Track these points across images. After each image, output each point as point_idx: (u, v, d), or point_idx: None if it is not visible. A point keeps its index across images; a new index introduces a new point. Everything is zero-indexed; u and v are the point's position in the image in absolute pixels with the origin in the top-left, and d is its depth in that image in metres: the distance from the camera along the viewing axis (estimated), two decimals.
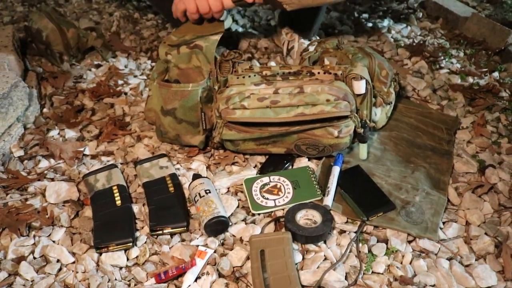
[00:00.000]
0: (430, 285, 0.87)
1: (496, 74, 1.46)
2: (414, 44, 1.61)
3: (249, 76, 1.05)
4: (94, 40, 1.51)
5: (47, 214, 0.99)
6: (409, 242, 0.95)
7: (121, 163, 1.13)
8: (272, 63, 1.48)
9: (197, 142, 1.10)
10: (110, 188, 1.01)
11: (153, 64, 1.52)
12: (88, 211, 1.00)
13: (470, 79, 1.44)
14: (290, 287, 0.81)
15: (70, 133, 1.21)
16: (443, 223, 0.99)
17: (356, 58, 1.10)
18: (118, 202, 0.98)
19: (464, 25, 1.68)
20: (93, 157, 1.15)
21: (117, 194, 0.99)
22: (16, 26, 1.75)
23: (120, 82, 1.42)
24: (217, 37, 1.13)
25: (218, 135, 1.03)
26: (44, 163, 1.13)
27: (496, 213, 1.02)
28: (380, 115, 1.15)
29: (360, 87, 1.02)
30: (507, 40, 1.51)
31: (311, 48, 1.23)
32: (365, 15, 1.81)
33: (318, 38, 1.49)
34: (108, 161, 1.13)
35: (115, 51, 1.58)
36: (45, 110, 1.31)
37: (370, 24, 1.75)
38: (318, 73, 1.05)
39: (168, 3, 1.52)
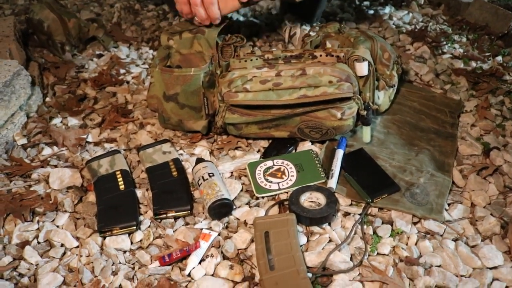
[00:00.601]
0: (436, 266, 0.86)
1: (499, 58, 1.45)
2: (416, 30, 1.60)
3: (251, 60, 1.04)
4: (95, 30, 1.50)
5: (50, 200, 0.99)
6: (414, 223, 0.95)
7: (124, 150, 1.12)
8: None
9: (200, 127, 1.10)
10: (113, 173, 1.01)
11: (155, 53, 1.52)
12: (91, 197, 1.00)
13: (473, 64, 1.43)
14: (295, 267, 0.80)
15: (73, 121, 1.21)
16: (448, 204, 0.99)
17: (358, 41, 1.10)
18: (122, 187, 0.98)
19: (466, 11, 1.66)
20: (96, 144, 1.15)
21: (121, 178, 0.99)
22: (17, 18, 1.75)
23: (122, 71, 1.42)
24: (221, 26, 1.13)
25: (221, 119, 1.02)
26: (47, 151, 1.12)
27: (502, 195, 1.02)
28: (383, 98, 1.14)
29: (362, 68, 1.02)
30: (510, 24, 1.50)
31: (313, 34, 1.22)
32: (366, 3, 1.80)
33: (319, 23, 1.48)
34: (111, 147, 1.13)
35: (117, 41, 1.58)
36: (47, 99, 1.30)
37: (371, 12, 1.73)
38: (320, 55, 1.04)
39: None
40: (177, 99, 1.07)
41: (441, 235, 0.92)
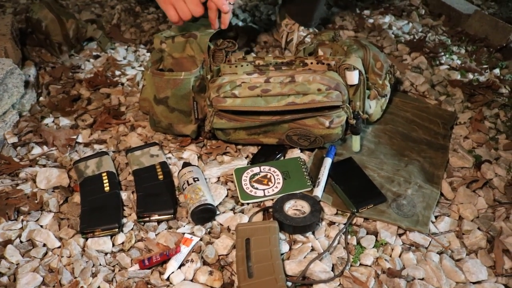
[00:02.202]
0: (419, 278, 0.85)
1: (497, 71, 1.44)
2: (415, 40, 1.59)
3: (242, 66, 1.04)
4: (93, 31, 1.51)
5: (36, 199, 1.00)
6: (399, 235, 0.94)
7: (113, 151, 1.12)
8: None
9: (189, 131, 1.10)
10: (100, 174, 1.01)
11: None
12: (77, 197, 1.00)
13: (470, 75, 1.42)
14: (274, 276, 0.79)
15: (65, 121, 1.21)
16: (436, 217, 0.98)
17: (351, 50, 1.09)
18: (107, 188, 0.98)
19: (466, 22, 1.65)
20: (86, 145, 1.15)
21: (106, 180, 0.99)
22: (18, 17, 1.76)
23: (117, 72, 1.42)
24: (213, 30, 1.12)
25: (209, 123, 1.02)
26: (37, 150, 1.13)
27: (491, 209, 1.01)
28: (374, 108, 1.13)
29: (353, 77, 1.01)
30: (509, 37, 1.49)
31: (308, 40, 1.22)
32: (367, 11, 1.79)
33: (316, 30, 1.48)
34: (100, 149, 1.13)
35: (115, 43, 1.58)
36: (41, 98, 1.31)
37: (371, 20, 1.73)
38: (311, 63, 1.04)
39: None
40: (167, 102, 1.07)
41: (426, 248, 0.91)
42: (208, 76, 1.05)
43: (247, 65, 1.04)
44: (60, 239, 0.92)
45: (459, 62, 1.49)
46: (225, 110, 0.99)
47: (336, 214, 0.97)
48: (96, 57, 1.51)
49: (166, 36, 1.13)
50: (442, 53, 1.52)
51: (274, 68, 1.03)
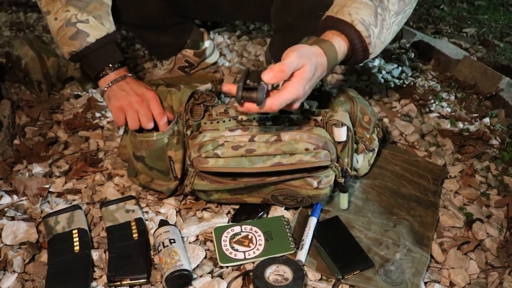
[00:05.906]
0: None
1: (487, 120, 1.42)
2: (404, 85, 1.57)
3: (224, 121, 0.99)
4: (74, 70, 1.46)
5: (0, 257, 0.93)
6: None
7: (87, 203, 1.06)
8: None
9: (169, 191, 1.05)
10: (70, 231, 0.94)
11: None
12: (45, 255, 0.94)
13: (460, 125, 1.39)
14: None
15: (38, 168, 1.15)
16: (425, 283, 0.93)
17: (338, 102, 1.05)
18: (77, 248, 0.91)
19: (455, 68, 1.64)
20: (59, 195, 1.09)
21: (77, 238, 0.93)
22: (0, 50, 1.72)
23: (97, 114, 1.37)
24: (199, 85, 1.09)
25: (190, 184, 0.96)
26: (5, 200, 1.06)
27: (483, 273, 0.96)
28: (362, 162, 1.09)
29: (341, 134, 0.97)
30: (498, 85, 1.47)
31: None
32: None
33: None
34: (74, 200, 1.07)
35: None
36: (15, 141, 1.25)
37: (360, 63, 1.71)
38: (297, 118, 0.99)
39: (151, 35, 1.49)
40: (145, 161, 1.02)
41: None
42: (187, 132, 1.00)
43: (229, 120, 1.00)
44: None
45: (449, 110, 1.46)
46: (207, 171, 0.94)
47: (321, 279, 0.91)
48: (77, 96, 1.46)
49: (152, 83, 1.09)
50: (432, 100, 1.50)
51: (258, 124, 0.99)
